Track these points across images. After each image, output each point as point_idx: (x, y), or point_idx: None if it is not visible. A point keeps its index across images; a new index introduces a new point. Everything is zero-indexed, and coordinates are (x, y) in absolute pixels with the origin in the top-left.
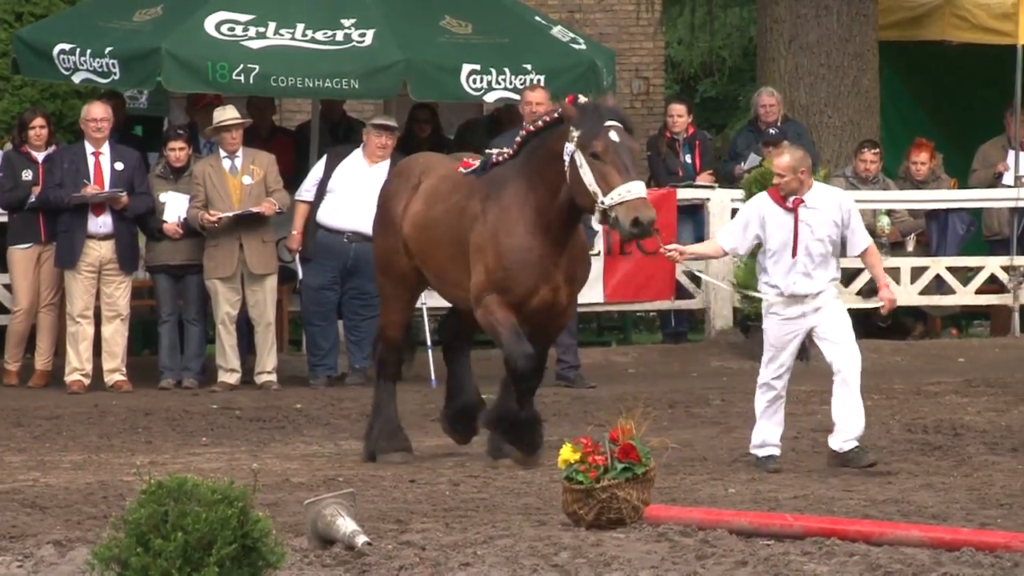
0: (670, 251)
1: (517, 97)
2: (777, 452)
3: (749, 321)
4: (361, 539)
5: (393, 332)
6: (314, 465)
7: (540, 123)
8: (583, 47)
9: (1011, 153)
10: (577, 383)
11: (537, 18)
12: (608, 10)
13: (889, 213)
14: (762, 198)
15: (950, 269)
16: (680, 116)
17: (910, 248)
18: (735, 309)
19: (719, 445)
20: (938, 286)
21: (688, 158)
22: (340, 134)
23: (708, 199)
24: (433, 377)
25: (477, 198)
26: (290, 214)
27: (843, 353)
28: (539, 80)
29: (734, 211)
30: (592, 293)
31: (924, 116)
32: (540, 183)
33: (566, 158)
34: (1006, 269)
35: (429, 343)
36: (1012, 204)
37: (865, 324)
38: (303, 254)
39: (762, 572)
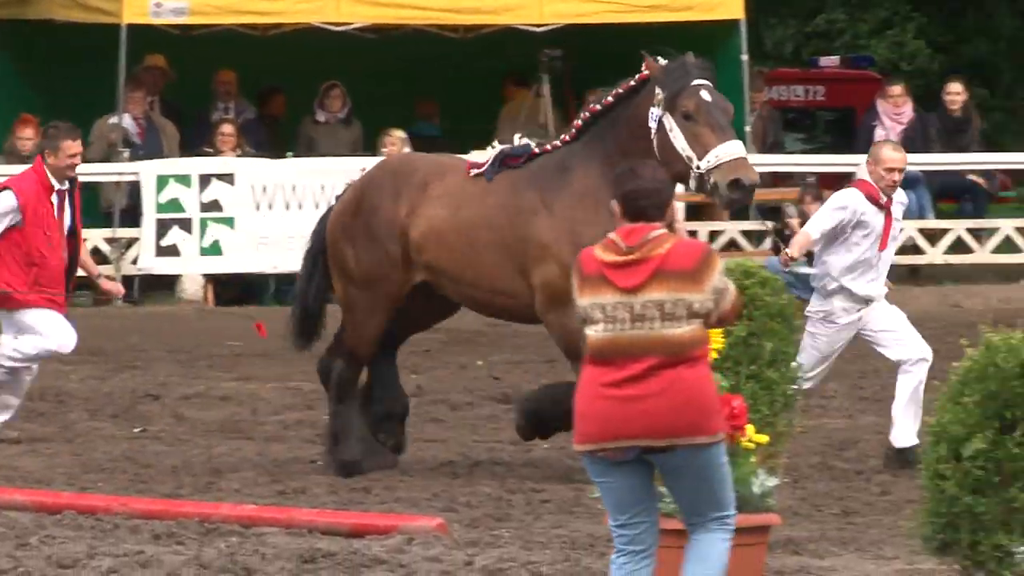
0: (791, 257)
1: None
2: None
3: None
4: None
5: (365, 351)
6: None
7: (612, 97)
8: None
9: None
10: None
11: None
12: None
13: None
14: (855, 195)
15: None
16: None
17: None
18: None
19: None
20: None
21: None
22: None
23: None
24: None
25: (531, 192)
26: None
27: (910, 346)
28: None
29: None
30: None
31: (32, 93)
32: (622, 159)
33: (652, 124)
34: (109, 241)
35: None
36: (117, 178)
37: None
38: None
39: None
